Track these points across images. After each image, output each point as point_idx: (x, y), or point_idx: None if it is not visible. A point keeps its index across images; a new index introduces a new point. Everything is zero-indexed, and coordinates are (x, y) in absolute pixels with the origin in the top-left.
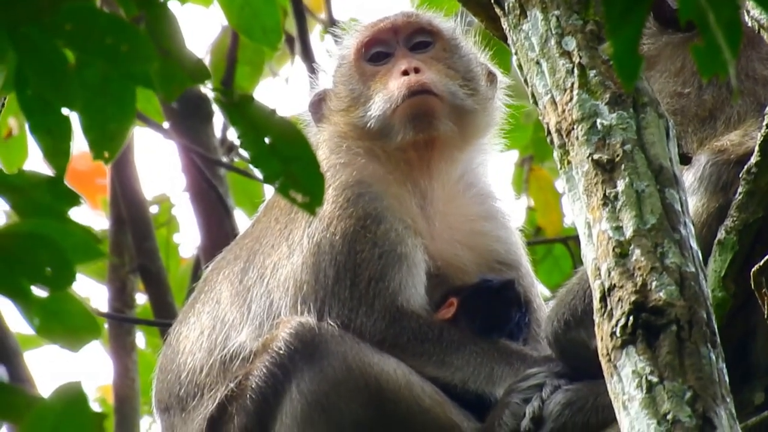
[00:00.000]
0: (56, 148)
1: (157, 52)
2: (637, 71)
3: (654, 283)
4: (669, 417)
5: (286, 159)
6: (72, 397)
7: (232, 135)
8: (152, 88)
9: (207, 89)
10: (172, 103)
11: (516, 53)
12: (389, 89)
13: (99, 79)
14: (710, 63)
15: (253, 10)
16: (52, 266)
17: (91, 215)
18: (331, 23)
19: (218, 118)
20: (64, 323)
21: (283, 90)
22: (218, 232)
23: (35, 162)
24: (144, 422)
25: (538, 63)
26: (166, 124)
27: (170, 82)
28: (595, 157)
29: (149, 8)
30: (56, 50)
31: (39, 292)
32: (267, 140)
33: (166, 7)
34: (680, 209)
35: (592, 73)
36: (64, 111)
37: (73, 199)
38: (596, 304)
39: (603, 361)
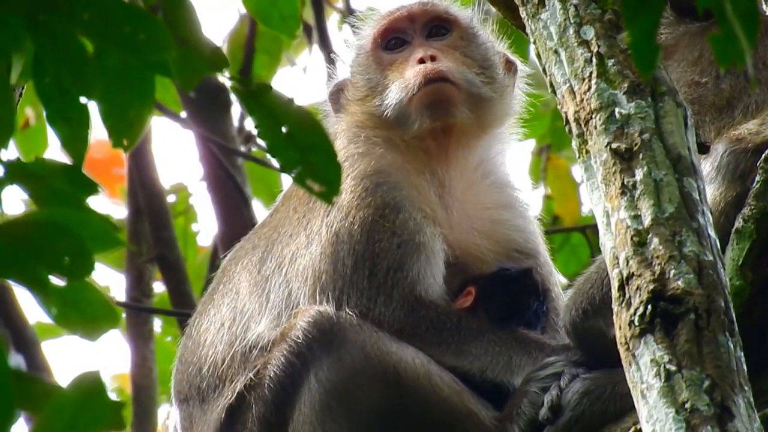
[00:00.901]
0: (74, 136)
1: (174, 41)
2: (654, 60)
3: (672, 272)
4: (687, 406)
5: (304, 148)
6: (90, 387)
7: (250, 124)
8: (170, 76)
9: (224, 78)
10: (189, 92)
11: (534, 42)
12: (406, 78)
13: (118, 68)
14: (727, 52)
15: None
16: (70, 255)
17: (109, 204)
18: (348, 12)
19: (236, 108)
20: (82, 312)
21: (300, 79)
22: (236, 221)
23: (55, 152)
24: (161, 411)
25: (556, 52)
26: (183, 114)
27: (188, 71)
28: (614, 146)
29: None
30: (74, 39)
31: (57, 281)
32: (284, 129)
33: None
34: (698, 198)
35: (610, 62)
36: (83, 99)
37: (91, 188)
38: (614, 292)
39: (621, 349)
